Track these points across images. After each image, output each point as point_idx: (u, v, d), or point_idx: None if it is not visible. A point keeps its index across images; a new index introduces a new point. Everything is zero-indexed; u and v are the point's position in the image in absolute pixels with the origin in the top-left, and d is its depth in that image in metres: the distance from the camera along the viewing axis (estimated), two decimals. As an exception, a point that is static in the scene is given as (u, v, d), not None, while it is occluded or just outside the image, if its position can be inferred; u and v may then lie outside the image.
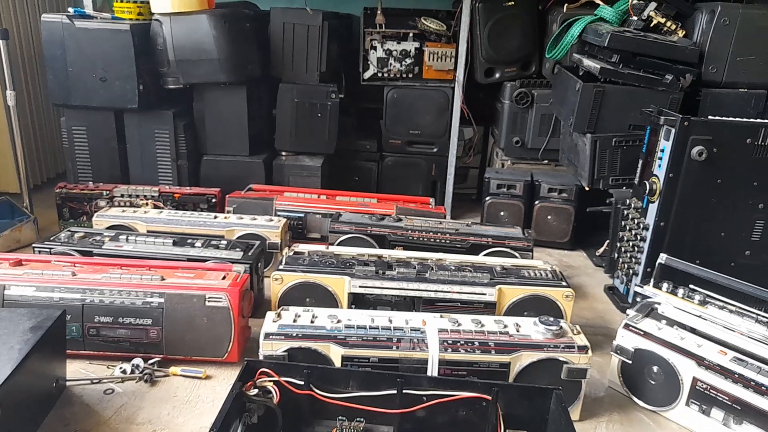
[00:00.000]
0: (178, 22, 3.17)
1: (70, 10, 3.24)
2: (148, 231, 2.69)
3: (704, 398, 1.85)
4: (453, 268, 2.31)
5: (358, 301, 2.21)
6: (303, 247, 2.43)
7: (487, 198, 3.40)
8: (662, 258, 2.26)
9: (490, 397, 1.65)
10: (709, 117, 2.60)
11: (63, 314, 1.85)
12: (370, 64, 3.71)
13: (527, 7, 3.62)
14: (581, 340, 1.86)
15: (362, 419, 1.69)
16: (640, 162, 2.63)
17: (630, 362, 2.00)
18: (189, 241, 2.49)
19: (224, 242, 2.49)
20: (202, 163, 3.52)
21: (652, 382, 1.98)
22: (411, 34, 3.66)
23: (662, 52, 2.85)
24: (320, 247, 2.46)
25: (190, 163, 3.45)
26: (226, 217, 2.82)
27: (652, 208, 2.53)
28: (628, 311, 2.13)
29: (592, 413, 1.97)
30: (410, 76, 3.72)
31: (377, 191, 3.75)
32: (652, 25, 2.97)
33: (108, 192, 3.16)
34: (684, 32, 2.95)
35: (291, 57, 3.52)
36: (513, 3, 3.56)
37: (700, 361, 1.86)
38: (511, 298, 2.21)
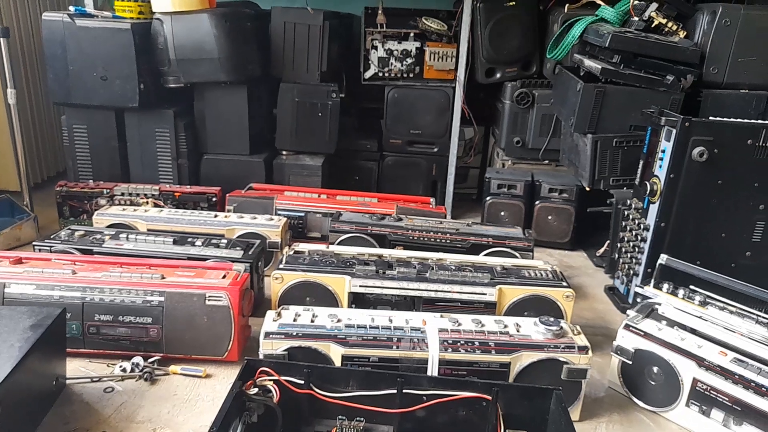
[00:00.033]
0: (179, 21, 3.17)
1: (71, 8, 3.24)
2: (148, 230, 2.69)
3: (704, 399, 1.85)
4: (453, 267, 2.31)
5: (358, 300, 2.21)
6: (303, 247, 2.43)
7: (488, 198, 3.40)
8: (663, 259, 2.26)
9: (490, 397, 1.64)
10: (710, 118, 2.60)
11: (63, 312, 1.85)
12: (371, 63, 3.71)
13: (528, 7, 3.62)
14: (581, 340, 1.86)
15: (362, 419, 1.69)
16: (641, 162, 2.63)
17: (630, 363, 2.00)
18: (189, 239, 2.49)
19: (224, 241, 2.49)
20: (203, 162, 3.52)
21: (653, 383, 1.97)
22: (412, 34, 3.66)
23: (663, 53, 2.85)
24: (320, 247, 2.46)
25: (191, 162, 3.45)
26: (226, 216, 2.82)
27: (653, 209, 2.53)
28: (628, 312, 2.13)
29: (592, 413, 1.97)
30: (411, 75, 3.72)
31: (378, 191, 3.75)
32: (653, 25, 2.97)
33: (108, 190, 3.16)
34: (685, 33, 2.95)
35: (292, 56, 3.52)
36: (514, 3, 3.56)
37: (701, 361, 1.86)
38: (511, 298, 2.21)
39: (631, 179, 2.78)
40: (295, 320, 1.88)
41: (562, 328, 1.88)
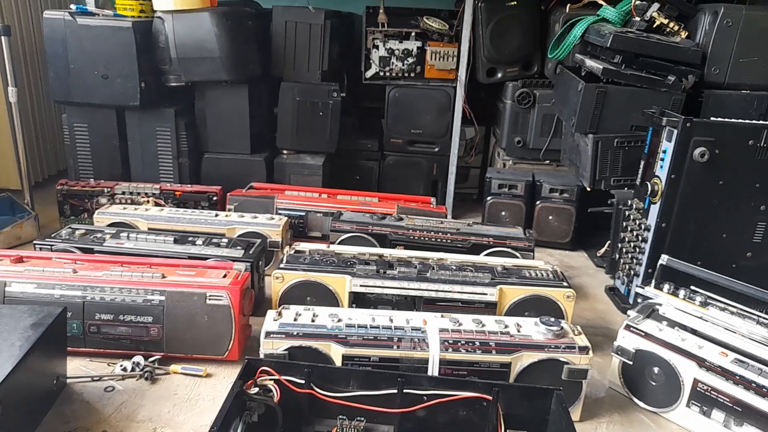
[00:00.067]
0: (180, 19, 3.17)
1: (73, 6, 3.23)
2: (149, 228, 2.69)
3: (705, 399, 1.85)
4: (454, 267, 2.31)
5: (358, 300, 2.21)
6: (304, 246, 2.43)
7: (489, 198, 3.40)
8: (663, 259, 2.26)
9: (490, 397, 1.64)
10: (712, 118, 2.59)
11: (64, 311, 1.85)
12: (372, 63, 3.70)
13: (530, 7, 3.62)
14: (582, 340, 1.86)
15: (363, 418, 1.69)
16: (642, 163, 2.63)
17: (631, 363, 2.00)
18: (190, 239, 2.49)
19: (225, 240, 2.49)
20: (204, 161, 3.52)
21: (653, 383, 1.97)
22: (413, 34, 3.66)
23: (665, 53, 2.85)
24: (321, 246, 2.45)
25: (192, 161, 3.45)
26: (227, 215, 2.82)
27: (654, 209, 2.52)
28: (628, 312, 2.13)
29: (593, 414, 1.97)
30: (412, 75, 3.72)
31: (378, 190, 3.75)
32: (654, 26, 2.96)
33: (109, 189, 3.16)
34: (687, 33, 2.95)
35: (293, 55, 3.52)
36: (515, 3, 3.56)
37: (701, 362, 1.86)
38: (512, 298, 2.21)
39: (632, 179, 2.78)
40: (295, 320, 1.88)
41: (562, 328, 1.88)
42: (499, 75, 3.70)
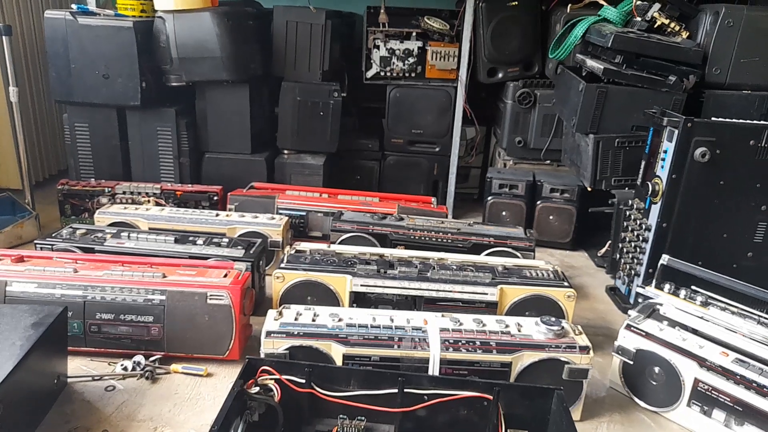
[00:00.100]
0: (181, 19, 3.17)
1: (74, 6, 3.23)
2: (149, 228, 2.69)
3: (706, 399, 1.85)
4: (455, 267, 2.31)
5: (359, 299, 2.21)
6: (304, 246, 2.43)
7: (489, 198, 3.40)
8: (664, 259, 2.26)
9: (491, 397, 1.64)
10: (713, 119, 2.59)
11: (64, 311, 1.85)
12: (373, 63, 3.71)
13: (530, 7, 3.62)
14: (583, 340, 1.86)
15: (363, 418, 1.69)
16: (643, 163, 2.63)
17: (631, 363, 2.00)
18: (191, 238, 2.49)
19: (226, 240, 2.49)
20: (204, 160, 3.52)
21: (654, 383, 1.97)
22: (414, 34, 3.66)
23: (666, 54, 2.85)
24: (322, 246, 2.45)
25: (192, 161, 3.45)
26: (227, 215, 2.82)
27: (655, 209, 2.52)
28: (629, 312, 2.13)
29: (593, 413, 1.97)
30: (413, 75, 3.72)
31: (379, 190, 3.75)
32: (655, 26, 2.96)
33: (110, 189, 3.16)
34: (688, 33, 2.95)
35: (293, 55, 3.52)
36: (516, 3, 3.56)
37: (702, 362, 1.86)
38: (512, 297, 2.21)
39: (633, 179, 2.78)
40: (296, 319, 1.88)
41: (563, 328, 1.88)
42: (500, 75, 3.70)
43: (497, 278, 2.25)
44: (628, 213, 2.71)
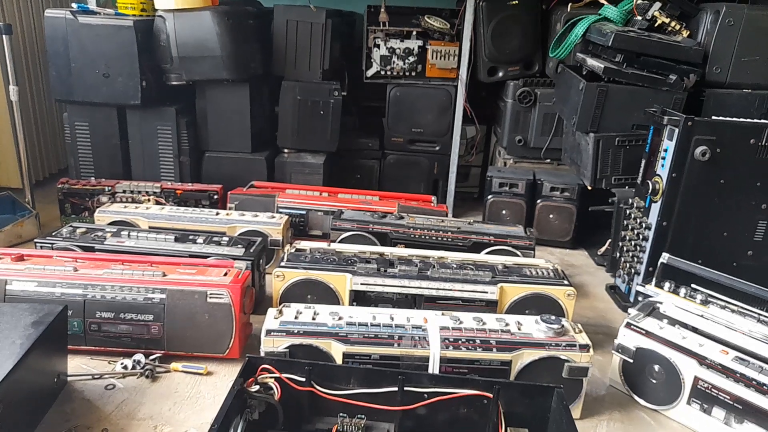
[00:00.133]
0: (182, 18, 3.17)
1: (74, 5, 3.23)
2: (149, 227, 2.69)
3: (706, 397, 1.85)
4: (455, 266, 2.31)
5: (359, 298, 2.21)
6: (305, 244, 2.43)
7: (489, 196, 3.40)
8: (664, 257, 2.26)
9: (491, 395, 1.64)
10: (713, 117, 2.59)
11: (64, 309, 1.85)
12: (373, 61, 3.70)
13: (531, 6, 3.62)
14: (583, 338, 1.86)
15: (363, 416, 1.69)
16: (643, 161, 2.63)
17: (631, 361, 2.00)
18: (191, 237, 2.49)
19: (226, 239, 2.49)
20: (204, 159, 3.52)
21: (654, 381, 1.97)
22: (414, 33, 3.66)
23: (666, 52, 2.85)
24: (322, 245, 2.46)
25: (192, 160, 3.45)
26: (227, 214, 2.82)
27: (655, 208, 2.52)
28: (629, 310, 2.13)
29: (593, 412, 1.97)
30: (413, 74, 3.72)
31: (379, 189, 3.76)
32: (656, 25, 2.96)
33: (110, 188, 3.16)
34: (688, 32, 2.95)
35: (294, 54, 3.52)
36: (516, 2, 3.56)
37: (702, 360, 1.86)
38: (512, 296, 2.21)
39: (633, 178, 2.77)
40: (296, 318, 1.88)
41: (563, 326, 1.88)
42: (500, 74, 3.70)
43: (497, 277, 2.25)
44: (628, 212, 2.71)
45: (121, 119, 3.33)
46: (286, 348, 1.80)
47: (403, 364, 1.80)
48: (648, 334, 1.97)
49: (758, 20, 2.82)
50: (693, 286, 2.16)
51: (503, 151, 3.80)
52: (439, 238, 2.71)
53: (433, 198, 3.39)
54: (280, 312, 1.90)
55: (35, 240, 2.45)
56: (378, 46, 3.68)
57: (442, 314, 1.95)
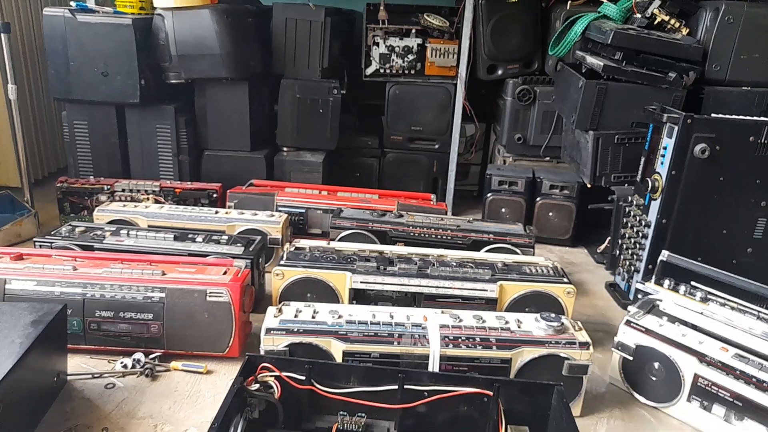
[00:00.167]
0: (180, 16, 3.16)
1: (72, 3, 3.23)
2: (149, 226, 2.69)
3: (706, 394, 1.85)
4: (454, 264, 2.31)
5: (359, 296, 2.21)
6: (304, 243, 2.43)
7: (489, 194, 3.40)
8: (664, 255, 2.26)
9: (491, 393, 1.64)
10: (712, 115, 2.59)
11: (64, 309, 1.85)
12: (372, 60, 3.70)
13: (530, 4, 3.61)
14: (582, 336, 1.86)
15: (363, 414, 1.69)
16: (643, 159, 2.63)
17: (631, 358, 2.00)
18: (190, 236, 2.49)
19: (225, 237, 2.49)
20: (204, 158, 3.52)
21: (654, 379, 1.97)
22: (413, 31, 3.66)
23: (665, 50, 2.85)
24: (321, 243, 2.45)
25: (191, 159, 3.45)
26: (227, 213, 2.82)
27: (654, 206, 2.52)
28: (629, 308, 2.13)
29: (593, 409, 1.97)
30: (412, 72, 3.72)
31: (378, 187, 3.75)
32: (655, 22, 2.96)
33: (109, 186, 3.15)
34: (688, 30, 2.95)
35: (293, 53, 3.51)
36: (516, 0, 3.55)
37: (702, 357, 1.86)
38: (512, 294, 2.21)
39: (633, 176, 2.77)
40: (296, 316, 1.87)
41: (563, 324, 1.88)
42: (500, 72, 3.69)
43: (497, 275, 2.25)
44: (627, 209, 2.72)
45: (120, 118, 3.32)
46: (285, 346, 1.80)
47: (403, 362, 1.80)
48: (648, 331, 1.97)
49: (757, 18, 2.82)
50: (693, 283, 2.16)
51: (503, 149, 3.80)
52: (439, 237, 2.71)
53: (433, 196, 3.39)
54: (280, 310, 1.90)
55: (34, 239, 2.45)
56: (377, 44, 3.67)
57: (442, 312, 1.95)
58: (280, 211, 3.01)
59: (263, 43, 3.50)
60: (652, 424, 1.94)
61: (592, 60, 2.95)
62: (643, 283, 2.25)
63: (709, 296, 2.09)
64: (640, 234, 2.59)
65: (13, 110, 3.12)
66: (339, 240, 2.68)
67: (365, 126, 4.04)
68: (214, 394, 1.92)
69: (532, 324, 1.90)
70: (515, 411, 1.66)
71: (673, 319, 2.02)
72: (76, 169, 3.37)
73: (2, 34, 3.01)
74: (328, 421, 1.70)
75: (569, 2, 3.40)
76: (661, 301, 2.13)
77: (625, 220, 2.72)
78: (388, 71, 3.71)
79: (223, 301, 2.02)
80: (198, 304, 2.02)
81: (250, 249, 2.41)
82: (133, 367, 2.00)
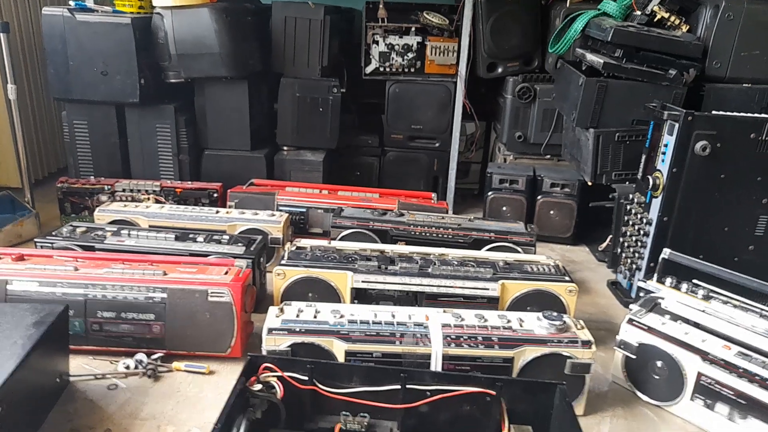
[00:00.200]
0: (180, 15, 3.16)
1: (71, 3, 3.22)
2: (150, 226, 2.69)
3: (709, 393, 1.85)
4: (456, 263, 2.30)
5: (360, 296, 2.21)
6: (305, 242, 2.43)
7: (490, 193, 3.40)
8: (665, 253, 2.26)
9: (494, 392, 1.64)
10: (713, 112, 2.59)
11: (66, 309, 1.84)
12: (372, 58, 3.70)
13: (530, 1, 3.61)
14: (585, 335, 1.86)
15: (366, 414, 1.68)
16: (644, 157, 2.63)
17: (634, 357, 2.00)
18: (191, 236, 2.48)
19: (226, 237, 2.49)
20: (204, 157, 3.51)
21: (656, 377, 1.97)
22: (413, 29, 3.65)
23: (666, 47, 2.84)
24: (322, 242, 2.45)
25: (192, 158, 3.44)
26: (227, 212, 2.82)
27: (655, 203, 2.52)
28: (631, 306, 2.13)
29: (596, 408, 1.97)
30: (412, 70, 3.71)
31: (379, 186, 3.74)
32: (655, 19, 2.96)
33: (109, 186, 3.15)
34: (688, 27, 2.94)
35: (292, 51, 3.51)
36: (516, -3, 3.56)
37: (705, 355, 1.86)
38: (514, 293, 2.21)
39: (634, 174, 2.77)
40: (297, 316, 1.87)
41: (565, 322, 1.88)
42: (500, 70, 3.69)
43: (498, 273, 2.25)
44: (628, 207, 2.71)
45: (119, 117, 3.32)
46: (287, 346, 1.80)
47: (405, 361, 1.80)
48: (650, 330, 1.97)
49: (758, 14, 2.82)
50: (695, 281, 2.16)
51: (503, 148, 3.79)
52: (440, 235, 2.71)
53: (434, 195, 3.38)
54: (282, 310, 1.89)
55: (35, 239, 2.44)
56: (377, 43, 3.67)
57: (444, 311, 1.95)
58: (280, 210, 3.01)
59: (262, 42, 3.49)
60: (656, 422, 1.94)
61: (592, 57, 2.95)
62: (645, 281, 2.25)
63: (711, 294, 2.09)
64: (642, 232, 2.59)
65: (13, 110, 3.12)
66: (340, 239, 2.68)
67: (365, 125, 4.03)
68: (216, 395, 1.91)
69: (534, 323, 1.90)
70: (518, 410, 1.66)
71: (675, 317, 2.02)
72: (77, 169, 3.37)
73: (1, 34, 3.00)
74: (331, 421, 1.70)
75: (569, -1, 3.40)
76: (663, 299, 2.13)
77: (626, 218, 2.72)
78: (387, 69, 3.71)
79: (225, 301, 2.02)
80: (199, 304, 2.02)
81: (251, 249, 2.40)
82: (136, 367, 2.00)
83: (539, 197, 3.35)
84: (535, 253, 2.63)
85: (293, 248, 2.37)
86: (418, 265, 2.27)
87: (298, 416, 1.69)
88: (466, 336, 1.83)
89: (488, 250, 2.63)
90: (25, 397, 1.62)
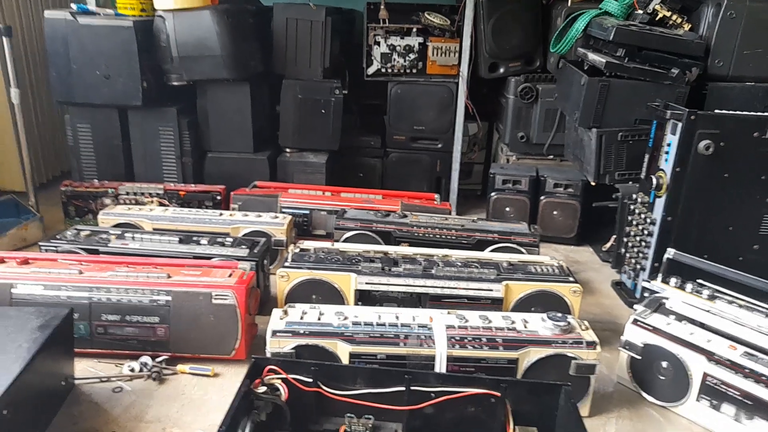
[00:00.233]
0: (181, 18, 3.16)
1: (73, 6, 3.23)
2: (153, 229, 2.69)
3: (715, 393, 1.85)
4: (459, 264, 2.30)
5: (364, 297, 2.21)
6: (308, 244, 2.43)
7: (493, 194, 3.39)
8: (670, 253, 2.25)
9: (498, 394, 1.64)
10: (716, 111, 2.58)
11: (70, 313, 1.85)
12: (374, 59, 3.70)
13: (531, 1, 3.61)
14: (589, 335, 1.86)
15: (371, 416, 1.69)
16: (647, 156, 2.62)
17: (639, 358, 2.00)
18: (195, 238, 2.48)
19: (230, 240, 2.49)
20: (207, 160, 3.51)
21: (662, 378, 1.97)
22: (414, 29, 3.65)
23: (668, 46, 2.83)
24: (326, 244, 2.45)
25: (194, 161, 3.45)
26: (231, 215, 2.82)
27: (659, 203, 2.52)
28: (635, 306, 2.12)
29: (602, 409, 1.96)
30: (414, 71, 3.71)
31: (382, 188, 3.75)
32: (657, 18, 2.95)
33: (113, 190, 3.16)
34: (690, 26, 2.93)
35: (294, 53, 3.51)
36: (517, -3, 3.56)
37: (710, 356, 1.85)
38: (518, 293, 2.20)
39: (637, 173, 2.76)
40: (301, 318, 1.87)
41: (569, 323, 1.88)
42: (502, 70, 3.69)
43: (502, 274, 2.25)
44: (632, 207, 2.70)
45: (122, 120, 3.33)
46: (292, 348, 1.80)
47: (410, 363, 1.79)
48: (655, 330, 1.96)
49: (760, 12, 2.80)
50: (699, 281, 2.15)
51: (506, 148, 3.79)
52: (443, 236, 2.70)
53: (436, 196, 3.38)
54: (285, 312, 1.90)
55: (40, 243, 2.45)
56: (378, 44, 3.67)
57: (448, 313, 1.95)
58: (284, 212, 3.01)
59: (264, 44, 3.50)
60: (661, 423, 1.93)
61: (594, 57, 2.94)
62: (650, 282, 2.24)
63: (716, 294, 2.08)
64: (646, 232, 2.58)
65: (17, 114, 3.13)
66: (343, 241, 2.68)
67: (367, 126, 4.03)
68: (221, 397, 1.91)
69: (539, 324, 1.90)
70: (523, 412, 1.66)
71: (680, 318, 2.02)
72: (80, 172, 3.38)
73: (4, 38, 3.01)
74: (335, 423, 1.70)
75: (571, -1, 3.39)
76: (667, 299, 2.12)
77: (630, 217, 2.71)
78: (389, 70, 3.71)
79: (229, 303, 2.02)
80: (204, 306, 2.02)
81: (255, 251, 2.40)
82: (140, 370, 2.00)
83: (542, 198, 3.34)
84: (538, 254, 2.62)
85: (297, 250, 2.37)
86: (421, 266, 2.26)
87: (302, 418, 1.69)
88: (471, 337, 1.83)
89: (492, 251, 2.63)
90: (31, 400, 1.63)
